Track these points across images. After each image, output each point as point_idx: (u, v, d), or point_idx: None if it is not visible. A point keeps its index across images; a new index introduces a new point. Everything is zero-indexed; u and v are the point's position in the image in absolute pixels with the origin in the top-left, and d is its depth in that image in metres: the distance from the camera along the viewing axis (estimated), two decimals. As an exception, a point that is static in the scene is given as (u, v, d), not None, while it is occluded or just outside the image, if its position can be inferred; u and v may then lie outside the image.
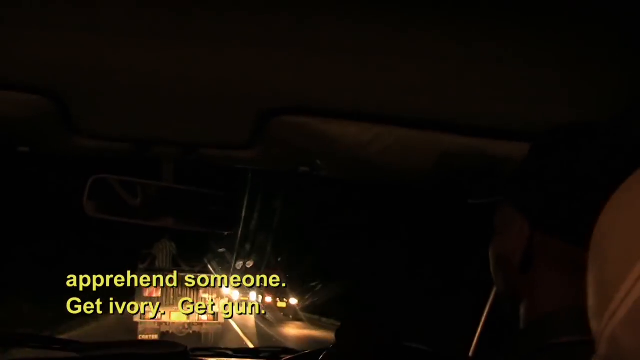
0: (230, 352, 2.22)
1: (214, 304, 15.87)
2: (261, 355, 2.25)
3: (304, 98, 1.15)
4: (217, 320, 15.86)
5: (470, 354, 1.82)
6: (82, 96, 1.19)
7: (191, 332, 15.66)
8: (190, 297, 15.88)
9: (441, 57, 1.02)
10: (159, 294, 15.74)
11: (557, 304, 0.80)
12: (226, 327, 17.08)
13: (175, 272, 16.07)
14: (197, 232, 1.65)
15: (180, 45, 1.04)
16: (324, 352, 1.47)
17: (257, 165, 1.51)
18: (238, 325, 19.43)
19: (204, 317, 15.73)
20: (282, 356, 2.20)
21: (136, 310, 15.53)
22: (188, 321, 15.70)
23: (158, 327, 15.58)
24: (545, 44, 0.99)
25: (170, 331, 15.57)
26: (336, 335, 1.39)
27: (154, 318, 15.49)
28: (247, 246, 21.60)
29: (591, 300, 0.48)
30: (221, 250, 18.08)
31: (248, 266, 20.58)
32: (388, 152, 1.27)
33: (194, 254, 17.00)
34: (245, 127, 1.27)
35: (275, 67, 1.06)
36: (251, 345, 14.43)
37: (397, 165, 1.35)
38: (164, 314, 15.55)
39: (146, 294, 15.68)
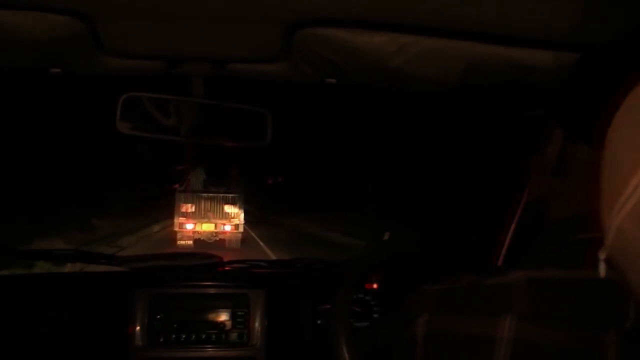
0: (264, 264, 1.91)
1: (234, 217, 16.32)
2: (296, 265, 1.94)
3: (329, 9, 0.91)
4: (238, 230, 16.26)
5: (500, 263, 1.53)
6: (109, 14, 0.96)
7: (217, 239, 16.14)
8: (216, 211, 16.34)
9: None
10: (193, 209, 16.23)
11: (580, 207, 0.70)
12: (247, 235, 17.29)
13: (205, 193, 16.64)
14: (230, 147, 1.34)
15: None
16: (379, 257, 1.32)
17: (284, 78, 1.25)
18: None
19: (227, 228, 16.16)
20: (316, 266, 1.91)
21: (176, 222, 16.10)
22: (215, 230, 16.15)
23: (192, 235, 16.04)
24: None
25: (201, 238, 16.08)
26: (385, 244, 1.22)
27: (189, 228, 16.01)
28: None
29: (603, 195, 0.44)
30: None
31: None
32: (414, 61, 1.04)
33: (220, 179, 17.31)
34: (272, 40, 1.04)
35: None
36: (266, 249, 14.56)
37: (424, 75, 1.11)
38: (197, 224, 16.06)
39: (183, 209, 16.19)
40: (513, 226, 1.50)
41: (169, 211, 18.40)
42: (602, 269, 0.50)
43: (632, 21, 0.83)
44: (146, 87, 1.33)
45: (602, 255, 0.48)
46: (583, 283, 0.61)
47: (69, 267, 1.68)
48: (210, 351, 1.64)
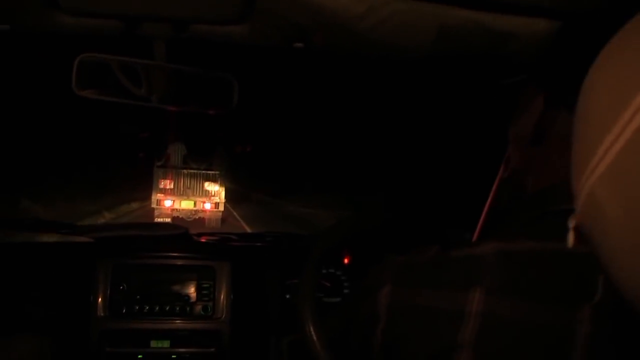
0: (234, 237, 1.94)
1: (215, 195, 16.26)
2: (266, 239, 1.97)
3: None
4: (218, 208, 16.23)
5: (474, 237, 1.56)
6: None
7: (197, 217, 16.06)
8: (196, 189, 16.25)
9: None
10: (172, 186, 16.14)
11: (559, 176, 0.70)
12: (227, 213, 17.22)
13: (185, 169, 16.45)
14: (190, 112, 1.34)
15: None
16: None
17: (250, 41, 1.22)
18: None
19: (208, 206, 16.12)
20: (285, 240, 1.94)
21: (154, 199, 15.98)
22: (195, 208, 16.09)
23: (170, 212, 15.97)
24: None
25: (180, 216, 16.02)
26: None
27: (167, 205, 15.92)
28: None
29: (575, 158, 0.43)
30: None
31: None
32: (384, 25, 1.02)
33: (201, 154, 17.08)
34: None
35: None
36: (247, 229, 14.52)
37: (394, 40, 1.09)
38: (175, 201, 15.99)
39: (161, 185, 16.09)
40: (490, 199, 1.52)
41: (130, 193, 17.94)
42: (571, 239, 0.48)
43: None
44: (108, 50, 1.32)
45: (571, 224, 0.47)
46: (556, 256, 0.61)
47: (24, 237, 1.69)
48: (174, 323, 1.67)
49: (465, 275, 0.64)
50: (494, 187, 1.56)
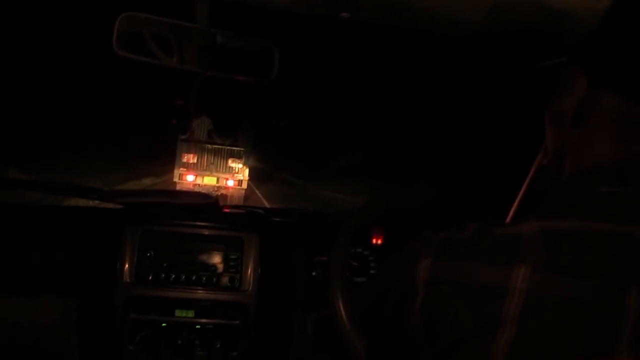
0: (261, 211, 1.94)
1: (238, 172, 16.25)
2: (293, 215, 1.98)
3: None
4: (241, 186, 16.24)
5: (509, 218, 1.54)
6: None
7: (219, 194, 15.95)
8: (220, 165, 16.24)
9: None
10: (195, 160, 16.09)
11: (602, 158, 0.70)
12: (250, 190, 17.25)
13: (209, 144, 16.41)
14: (219, 85, 1.33)
15: None
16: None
17: (294, 7, 1.19)
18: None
19: (231, 183, 16.12)
20: (313, 217, 1.94)
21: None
22: (217, 185, 16.05)
23: (192, 187, 15.94)
24: None
25: (202, 192, 15.75)
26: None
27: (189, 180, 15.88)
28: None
29: None
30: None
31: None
32: None
33: (226, 129, 17.04)
34: None
35: None
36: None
37: (443, 14, 1.07)
38: (198, 177, 15.94)
39: (184, 159, 16.06)
40: (524, 187, 1.50)
41: (144, 167, 17.71)
42: None
43: None
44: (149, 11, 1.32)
45: None
46: (602, 235, 0.62)
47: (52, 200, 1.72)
48: (199, 293, 1.69)
49: (509, 251, 0.64)
50: (530, 174, 1.54)
